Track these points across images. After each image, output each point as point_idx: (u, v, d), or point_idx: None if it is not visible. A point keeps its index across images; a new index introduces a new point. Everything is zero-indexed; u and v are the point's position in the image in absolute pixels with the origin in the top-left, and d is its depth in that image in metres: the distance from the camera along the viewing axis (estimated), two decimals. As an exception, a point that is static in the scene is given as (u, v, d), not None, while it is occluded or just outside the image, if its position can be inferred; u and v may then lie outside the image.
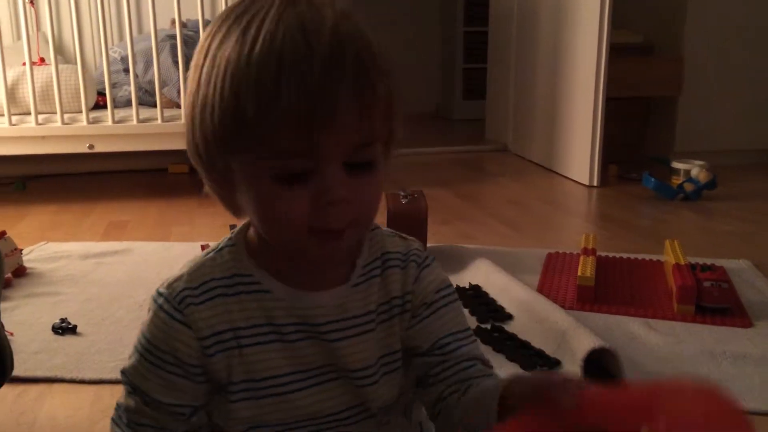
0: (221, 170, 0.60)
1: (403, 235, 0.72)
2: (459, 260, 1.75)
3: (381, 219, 0.71)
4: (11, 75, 2.44)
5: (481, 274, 1.65)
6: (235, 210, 0.64)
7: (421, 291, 0.69)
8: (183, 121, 0.62)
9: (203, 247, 1.69)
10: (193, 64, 0.60)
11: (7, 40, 2.76)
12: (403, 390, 0.71)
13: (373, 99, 0.55)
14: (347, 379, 0.68)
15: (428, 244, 1.75)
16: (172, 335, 0.64)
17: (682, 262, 1.57)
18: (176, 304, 0.64)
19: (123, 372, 0.67)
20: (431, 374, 0.68)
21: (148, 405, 0.65)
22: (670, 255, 1.64)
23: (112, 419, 0.68)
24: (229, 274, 0.65)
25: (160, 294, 0.65)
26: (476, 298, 1.52)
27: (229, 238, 0.68)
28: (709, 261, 1.71)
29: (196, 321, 0.63)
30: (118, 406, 0.68)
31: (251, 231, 0.67)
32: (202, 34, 0.62)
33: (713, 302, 1.46)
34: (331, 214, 0.57)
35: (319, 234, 0.58)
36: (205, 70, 0.58)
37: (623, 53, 2.94)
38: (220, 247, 0.67)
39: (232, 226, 1.82)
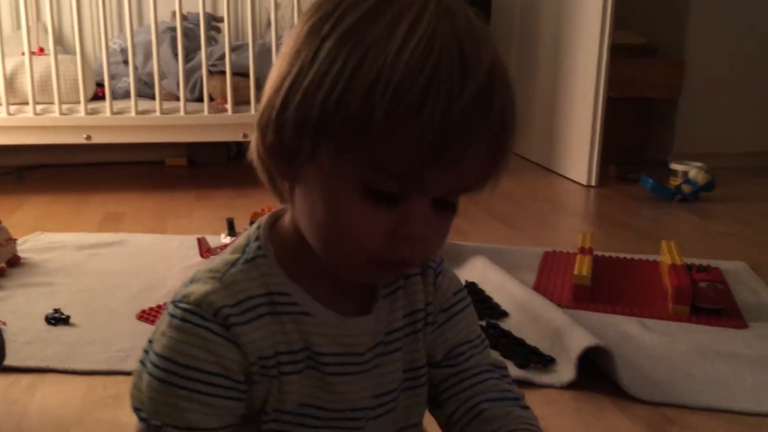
0: (301, 155, 0.51)
1: None
2: (455, 257, 1.75)
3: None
4: (10, 64, 2.43)
5: (478, 271, 1.64)
6: (282, 198, 0.57)
7: (439, 298, 0.65)
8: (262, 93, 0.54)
9: (199, 240, 1.68)
10: (309, 27, 0.51)
11: (6, 29, 2.75)
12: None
13: (501, 156, 0.52)
14: (378, 415, 0.62)
15: (425, 241, 1.75)
16: (218, 353, 0.54)
17: (679, 263, 1.57)
18: (221, 320, 0.54)
19: (138, 409, 0.56)
20: (442, 389, 0.65)
21: None
22: (666, 255, 1.64)
23: None
24: (265, 291, 0.56)
25: (186, 309, 0.54)
26: (472, 295, 1.49)
27: (259, 246, 0.58)
28: (705, 262, 1.71)
29: (245, 344, 0.55)
30: None
31: (285, 235, 0.59)
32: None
33: (708, 303, 1.46)
34: (403, 249, 0.52)
35: (381, 264, 0.53)
36: (329, 42, 0.49)
37: (625, 54, 2.93)
38: (250, 255, 0.57)
39: (230, 220, 1.80)
